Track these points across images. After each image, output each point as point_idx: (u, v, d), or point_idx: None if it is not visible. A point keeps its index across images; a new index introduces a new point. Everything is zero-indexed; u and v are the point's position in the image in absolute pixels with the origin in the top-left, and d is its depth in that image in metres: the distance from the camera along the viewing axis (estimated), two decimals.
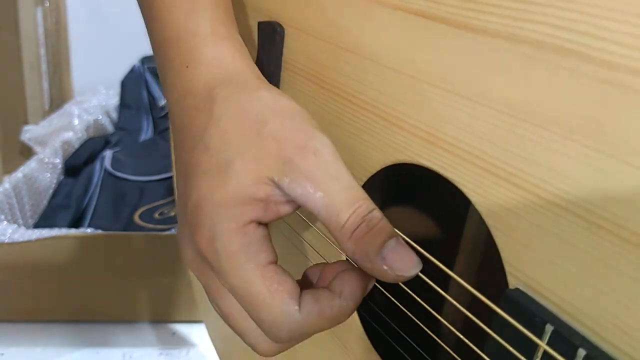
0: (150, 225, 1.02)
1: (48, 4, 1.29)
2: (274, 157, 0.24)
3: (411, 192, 0.35)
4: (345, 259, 0.30)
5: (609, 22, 0.16)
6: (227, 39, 0.29)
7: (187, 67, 0.28)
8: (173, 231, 0.95)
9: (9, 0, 1.13)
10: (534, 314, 0.19)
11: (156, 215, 1.05)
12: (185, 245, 0.27)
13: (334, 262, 0.26)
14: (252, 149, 0.25)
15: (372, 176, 0.28)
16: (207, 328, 0.60)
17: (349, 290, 0.24)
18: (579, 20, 0.17)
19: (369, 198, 0.24)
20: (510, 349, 0.20)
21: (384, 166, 0.27)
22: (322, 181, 0.23)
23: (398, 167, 0.26)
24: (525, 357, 0.20)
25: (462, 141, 0.22)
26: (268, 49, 0.34)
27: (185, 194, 0.26)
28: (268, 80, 0.30)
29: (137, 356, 0.90)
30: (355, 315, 0.31)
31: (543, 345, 0.19)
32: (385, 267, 0.22)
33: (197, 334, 0.95)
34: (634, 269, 0.17)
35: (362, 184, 0.28)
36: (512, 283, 0.20)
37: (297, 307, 0.23)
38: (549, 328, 0.19)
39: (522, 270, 0.20)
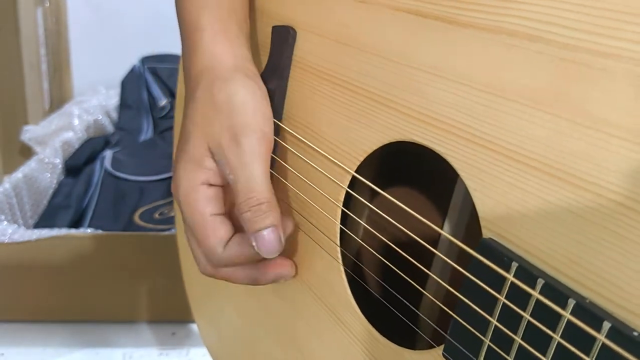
0: (150, 225, 1.02)
1: (48, 4, 1.29)
2: (215, 139, 0.33)
3: (404, 166, 0.42)
4: None
5: (567, 13, 0.21)
6: (223, 33, 0.36)
7: (192, 53, 0.36)
8: (173, 231, 0.95)
9: (9, 0, 1.13)
10: (502, 254, 0.23)
11: (156, 215, 1.05)
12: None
13: None
14: (204, 128, 0.34)
15: (370, 155, 0.32)
16: (201, 332, 0.60)
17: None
18: (544, 12, 0.22)
19: (266, 190, 0.33)
20: (483, 285, 0.24)
21: (380, 145, 0.31)
22: (234, 168, 0.33)
23: (393, 145, 0.30)
24: (494, 290, 0.23)
25: (449, 117, 0.26)
26: (280, 50, 0.38)
27: (176, 148, 0.36)
28: (278, 76, 0.38)
29: (137, 356, 0.90)
30: (346, 285, 0.35)
31: (510, 277, 0.22)
32: (254, 244, 0.32)
33: (197, 334, 0.95)
34: (585, 210, 0.20)
35: (359, 162, 0.33)
36: (487, 234, 0.24)
37: (221, 249, 0.34)
38: (514, 265, 0.22)
39: (495, 222, 0.24)
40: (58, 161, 1.13)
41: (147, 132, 1.33)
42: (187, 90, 0.37)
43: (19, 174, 1.02)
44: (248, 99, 0.34)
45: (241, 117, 0.33)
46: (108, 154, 1.20)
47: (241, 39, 0.37)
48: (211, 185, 0.34)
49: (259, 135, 0.33)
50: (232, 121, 0.33)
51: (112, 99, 1.38)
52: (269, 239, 0.32)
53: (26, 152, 1.20)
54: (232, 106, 0.33)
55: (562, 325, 0.20)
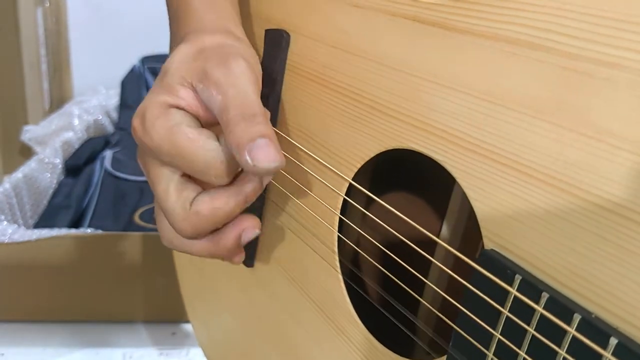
0: (150, 225, 1.02)
1: (48, 4, 1.29)
2: (197, 69, 0.30)
3: (401, 171, 0.41)
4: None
5: (569, 21, 0.21)
6: (210, 5, 0.35)
7: (179, 23, 0.35)
8: None
9: (9, 0, 1.12)
10: (505, 267, 0.22)
11: None
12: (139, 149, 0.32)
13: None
14: (186, 62, 0.31)
15: (367, 162, 0.31)
16: (195, 333, 0.60)
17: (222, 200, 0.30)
18: (544, 20, 0.21)
19: (259, 106, 0.29)
20: (486, 298, 0.23)
21: (378, 152, 0.30)
22: (223, 87, 0.29)
23: (391, 152, 0.30)
24: (498, 303, 0.23)
25: (448, 126, 0.26)
26: (274, 54, 0.37)
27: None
28: (272, 81, 0.37)
29: (137, 356, 0.90)
30: (345, 293, 0.35)
31: (513, 291, 0.22)
32: (247, 158, 0.27)
33: None
34: (586, 221, 0.20)
35: (356, 170, 0.32)
36: (488, 245, 0.24)
37: (219, 147, 0.29)
38: (517, 277, 0.22)
39: (496, 233, 0.24)
40: (58, 161, 1.12)
41: None
42: (173, 47, 0.35)
43: (19, 174, 1.02)
44: (241, 45, 0.33)
45: (232, 48, 0.31)
46: (108, 154, 1.19)
47: (224, 6, 0.36)
48: (181, 109, 0.30)
49: (250, 63, 0.31)
50: (220, 51, 0.31)
51: (112, 99, 1.38)
52: (267, 148, 0.27)
53: (26, 152, 1.20)
54: (221, 46, 0.31)
55: (567, 340, 0.20)
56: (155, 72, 1.39)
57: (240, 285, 0.46)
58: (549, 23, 0.21)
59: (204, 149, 0.28)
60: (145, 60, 1.40)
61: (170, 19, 0.37)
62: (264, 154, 0.27)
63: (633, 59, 0.19)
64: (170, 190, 0.30)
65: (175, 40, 0.35)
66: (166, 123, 0.29)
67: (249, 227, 0.32)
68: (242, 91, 0.29)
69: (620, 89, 0.19)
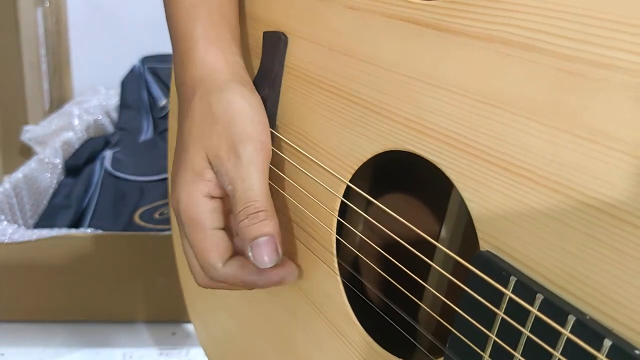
0: (150, 225, 1.02)
1: (48, 4, 1.29)
2: (213, 150, 0.33)
3: (398, 175, 0.42)
4: None
5: (562, 22, 0.21)
6: (215, 42, 0.36)
7: (183, 62, 0.36)
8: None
9: (9, 0, 1.13)
10: (500, 268, 0.23)
11: (156, 215, 1.05)
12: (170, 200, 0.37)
13: None
14: (202, 140, 0.34)
15: (364, 164, 0.32)
16: (197, 332, 0.60)
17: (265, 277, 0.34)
18: (538, 21, 0.21)
19: (264, 200, 0.32)
20: (481, 299, 0.23)
21: (374, 154, 0.31)
22: (233, 179, 0.32)
23: (387, 154, 0.30)
24: (493, 305, 0.23)
25: (443, 127, 0.26)
26: (272, 56, 0.37)
27: (174, 159, 0.36)
28: (270, 83, 0.37)
29: (137, 356, 0.90)
30: (344, 296, 0.35)
31: (508, 293, 0.22)
32: (250, 254, 0.32)
33: None
34: (581, 223, 0.20)
35: (353, 171, 0.32)
36: (483, 246, 0.24)
37: (220, 265, 0.33)
38: (512, 279, 0.22)
39: (491, 234, 0.23)
40: (58, 161, 1.12)
41: (147, 132, 1.33)
42: (180, 99, 0.37)
43: (19, 174, 1.02)
44: (245, 108, 0.34)
45: (239, 127, 0.33)
46: (108, 154, 1.20)
47: (233, 47, 0.37)
48: (212, 197, 0.34)
49: (257, 145, 0.33)
50: (230, 131, 0.33)
51: (112, 99, 1.38)
52: (265, 248, 0.31)
53: (26, 152, 1.20)
54: (230, 116, 0.33)
55: (562, 341, 0.20)
56: (155, 72, 1.39)
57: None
58: (542, 24, 0.21)
59: (205, 254, 0.33)
60: (145, 60, 1.40)
61: (171, 37, 0.38)
62: (262, 253, 0.32)
63: (627, 60, 0.19)
64: (190, 253, 0.35)
65: (180, 73, 0.37)
66: (194, 215, 0.33)
67: (290, 274, 0.36)
68: (248, 186, 0.32)
69: (614, 90, 0.19)
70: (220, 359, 0.55)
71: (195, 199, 0.33)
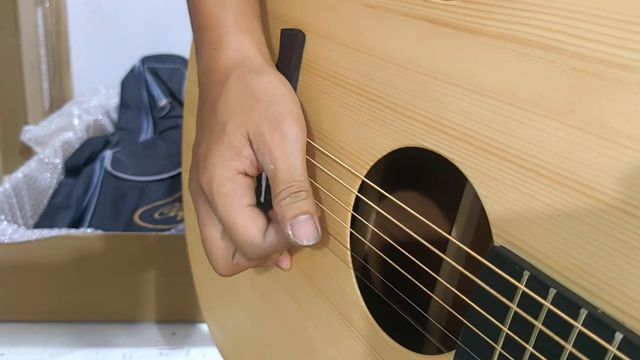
0: (150, 225, 1.02)
1: (48, 4, 1.29)
2: (254, 127, 0.33)
3: (413, 169, 0.42)
4: None
5: (578, 22, 0.21)
6: (247, 31, 0.36)
7: (214, 49, 0.36)
8: (173, 231, 0.95)
9: (9, 0, 1.12)
10: (513, 262, 0.23)
11: (156, 215, 1.05)
12: (192, 179, 0.37)
13: None
14: (242, 117, 0.33)
15: (379, 160, 0.32)
16: (212, 333, 0.60)
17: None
18: (555, 21, 0.22)
19: (306, 179, 0.32)
20: (495, 293, 0.24)
21: (390, 151, 0.31)
22: (276, 157, 0.32)
23: (403, 150, 0.30)
24: (506, 298, 0.23)
25: (459, 124, 0.26)
26: (289, 52, 0.38)
27: (199, 144, 0.36)
28: (288, 79, 0.37)
29: (137, 356, 0.90)
30: (357, 289, 0.35)
31: (522, 287, 0.22)
32: (289, 232, 0.32)
33: (197, 334, 0.95)
34: (593, 218, 0.20)
35: (369, 167, 0.33)
36: (497, 241, 0.24)
37: (262, 239, 0.34)
38: (526, 273, 0.22)
39: (505, 229, 0.24)
40: (58, 161, 1.12)
41: (147, 132, 1.33)
42: (209, 85, 0.37)
43: (19, 174, 1.02)
44: (285, 90, 0.34)
45: (282, 105, 0.33)
46: (108, 154, 1.19)
47: (263, 38, 0.37)
48: (247, 175, 0.34)
49: (302, 125, 0.33)
50: (273, 109, 0.33)
51: (112, 99, 1.38)
52: (307, 225, 0.32)
53: (26, 152, 1.20)
54: (272, 96, 0.34)
55: (574, 335, 0.20)
56: (155, 72, 1.39)
57: (255, 284, 0.47)
58: (559, 24, 0.22)
59: (245, 231, 0.33)
60: (145, 60, 1.40)
61: (198, 27, 0.38)
62: (303, 231, 0.32)
63: None
64: (216, 239, 0.36)
65: (208, 59, 0.36)
66: (231, 192, 0.33)
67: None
68: (292, 165, 0.32)
69: (630, 90, 0.19)
70: (235, 358, 0.55)
71: (232, 176, 0.33)
